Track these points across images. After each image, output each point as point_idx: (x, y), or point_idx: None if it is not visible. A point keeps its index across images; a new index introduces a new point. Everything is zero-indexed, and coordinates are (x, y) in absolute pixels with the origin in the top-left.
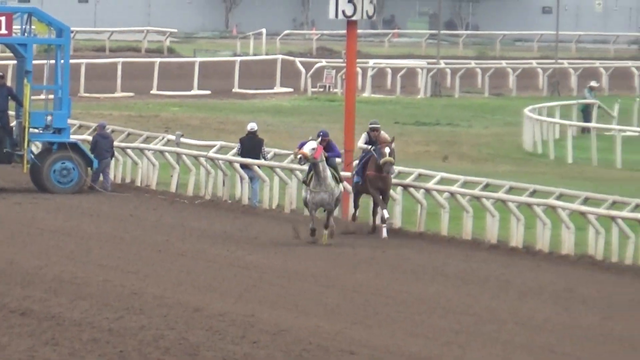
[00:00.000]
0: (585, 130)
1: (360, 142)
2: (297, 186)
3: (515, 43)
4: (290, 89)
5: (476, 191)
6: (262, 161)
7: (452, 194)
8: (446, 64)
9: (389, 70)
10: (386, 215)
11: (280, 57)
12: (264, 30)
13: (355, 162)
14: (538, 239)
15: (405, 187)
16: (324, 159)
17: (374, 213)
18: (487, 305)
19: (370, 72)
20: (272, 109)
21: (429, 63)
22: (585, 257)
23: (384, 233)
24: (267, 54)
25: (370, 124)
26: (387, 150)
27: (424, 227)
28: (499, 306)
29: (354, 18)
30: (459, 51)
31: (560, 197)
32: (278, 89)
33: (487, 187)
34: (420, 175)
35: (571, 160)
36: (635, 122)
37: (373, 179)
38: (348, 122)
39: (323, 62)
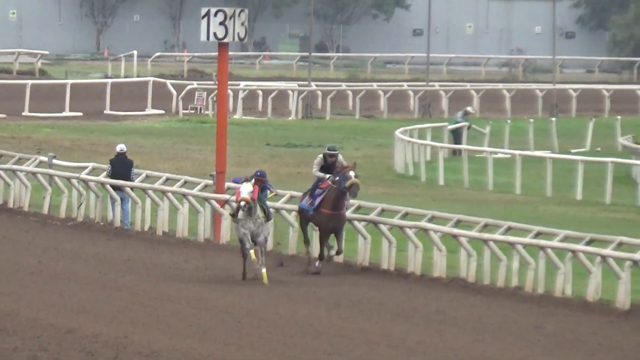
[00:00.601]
0: (456, 152)
1: (315, 169)
2: (169, 208)
3: (386, 65)
4: (162, 111)
5: (348, 213)
6: (133, 183)
7: None
8: (317, 86)
9: (260, 92)
10: (333, 252)
11: (151, 79)
12: (135, 53)
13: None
14: (410, 262)
15: (278, 210)
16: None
17: (321, 246)
18: (359, 328)
19: (241, 94)
20: (144, 130)
21: (300, 85)
22: (457, 279)
23: (317, 265)
24: (138, 76)
25: (328, 149)
26: (351, 173)
27: (296, 249)
28: (372, 328)
29: (225, 40)
30: (330, 73)
31: (432, 219)
32: (149, 110)
33: (358, 209)
34: (292, 197)
35: (442, 182)
36: (506, 144)
37: (326, 219)
38: (220, 144)
39: (194, 84)
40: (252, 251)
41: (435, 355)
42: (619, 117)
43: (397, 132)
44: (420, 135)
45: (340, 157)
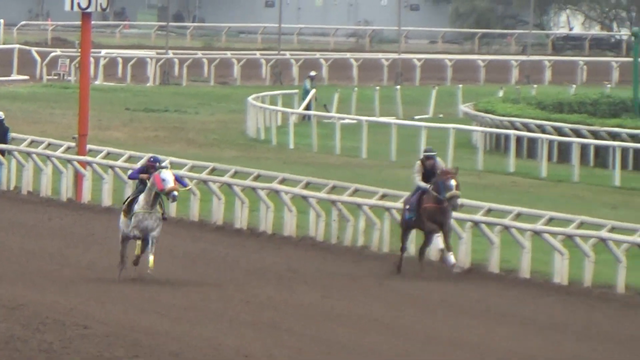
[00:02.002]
0: (305, 118)
1: (417, 177)
2: (33, 169)
3: (239, 35)
4: (27, 77)
5: (203, 175)
6: (10, 146)
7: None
8: (174, 54)
9: (120, 60)
10: (452, 260)
11: (17, 46)
12: (1, 21)
13: (407, 196)
14: (261, 221)
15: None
16: None
17: (422, 252)
18: (214, 284)
19: (102, 62)
20: (9, 95)
21: (158, 53)
22: (306, 238)
23: (451, 260)
24: (4, 44)
25: (425, 151)
26: (452, 182)
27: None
28: (226, 284)
29: (88, 10)
30: (186, 42)
31: (283, 181)
32: (15, 76)
33: (213, 171)
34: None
35: (292, 146)
36: (352, 111)
37: (432, 212)
38: (82, 109)
39: (58, 51)
40: (138, 242)
41: (286, 310)
42: (460, 85)
43: (250, 99)
44: (272, 101)
45: (438, 160)
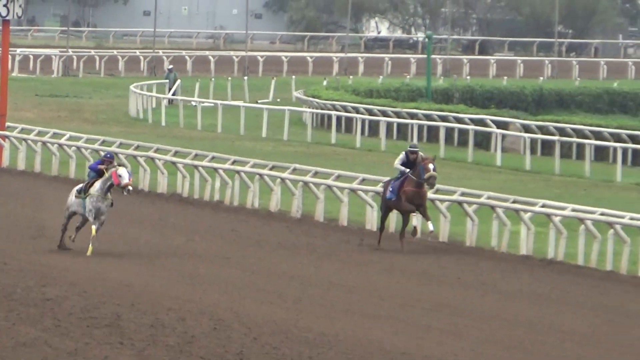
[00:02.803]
0: (172, 102)
1: (397, 163)
2: None
3: (123, 37)
4: None
5: (95, 145)
6: None
7: (78, 148)
8: (73, 52)
9: (31, 57)
10: (431, 227)
11: None
12: None
13: (388, 180)
14: (140, 182)
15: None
16: None
17: (403, 228)
18: (101, 232)
19: (17, 58)
20: None
21: (60, 51)
22: (175, 195)
23: (430, 226)
24: None
25: (410, 147)
26: (431, 166)
27: (58, 172)
28: (110, 233)
29: (7, 18)
30: (82, 43)
31: (157, 150)
32: None
33: (103, 142)
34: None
35: (164, 123)
36: (210, 96)
37: (412, 195)
38: (2, 94)
39: None
40: (94, 227)
41: (157, 250)
42: (293, 76)
43: (132, 87)
44: (149, 89)
45: (420, 154)
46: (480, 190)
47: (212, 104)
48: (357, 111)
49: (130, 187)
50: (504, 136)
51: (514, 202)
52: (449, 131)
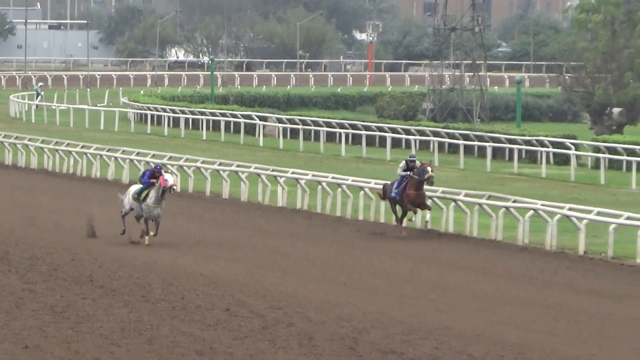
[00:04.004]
0: (38, 107)
1: (400, 170)
2: None
3: (4, 63)
4: None
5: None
6: None
7: None
8: None
9: None
10: (428, 216)
11: None
12: None
13: (389, 183)
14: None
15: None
16: None
17: (402, 218)
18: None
19: None
20: None
21: None
22: (42, 170)
23: (427, 220)
24: None
25: (410, 157)
26: (429, 168)
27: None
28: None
29: None
30: None
31: (30, 139)
32: None
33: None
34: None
35: (34, 121)
36: (65, 102)
37: (413, 197)
38: None
39: None
40: (154, 229)
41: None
42: (121, 88)
43: (11, 97)
44: (22, 98)
45: (418, 162)
46: (250, 163)
47: (66, 107)
48: (165, 110)
49: (175, 187)
50: (264, 126)
51: (273, 170)
52: (227, 123)
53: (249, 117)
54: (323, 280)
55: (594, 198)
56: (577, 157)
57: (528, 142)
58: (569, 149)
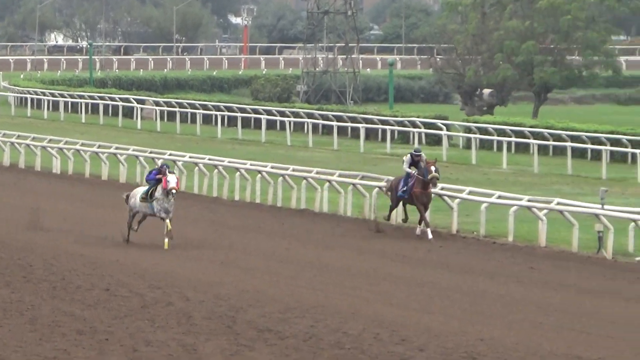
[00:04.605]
0: None
1: (405, 164)
2: None
3: None
4: None
5: None
6: None
7: None
8: None
9: None
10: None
11: None
12: None
13: (393, 179)
14: None
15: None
16: None
17: (420, 220)
18: None
19: None
20: None
21: None
22: None
23: (429, 235)
24: None
25: (415, 151)
26: (433, 168)
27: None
28: None
29: None
30: None
31: None
32: None
33: None
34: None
35: None
36: None
37: (419, 195)
38: None
39: None
40: (168, 222)
41: None
42: (1, 72)
43: None
44: None
45: (423, 155)
46: (128, 145)
47: None
48: (44, 94)
49: (174, 190)
50: (141, 109)
51: (151, 152)
52: (106, 106)
53: (127, 100)
54: (201, 260)
55: (466, 177)
56: (449, 137)
57: (400, 123)
58: (441, 129)
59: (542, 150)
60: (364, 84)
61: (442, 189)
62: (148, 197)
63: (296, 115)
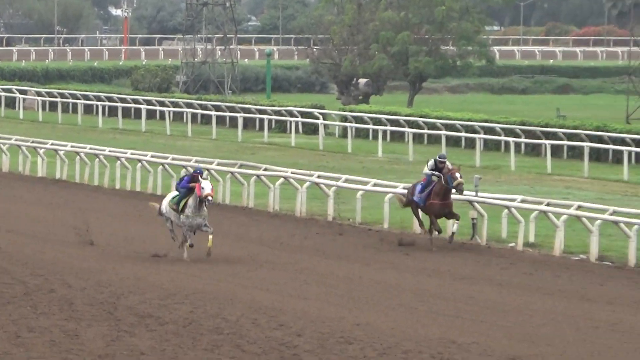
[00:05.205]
0: None
1: (427, 168)
2: None
3: None
4: None
5: None
6: None
7: None
8: None
9: None
10: (455, 227)
11: None
12: None
13: (413, 183)
14: None
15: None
16: None
17: (431, 228)
18: None
19: None
20: None
21: None
22: None
23: (454, 231)
24: None
25: (439, 157)
26: (458, 175)
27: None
28: None
29: None
30: None
31: None
32: None
33: None
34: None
35: None
36: None
37: (439, 208)
38: None
39: None
40: (210, 236)
41: None
42: None
43: None
44: None
45: (447, 162)
46: (11, 135)
47: None
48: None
49: (210, 197)
50: (24, 99)
51: (33, 142)
52: None
53: (10, 90)
54: (82, 247)
55: (342, 166)
56: (325, 126)
57: (278, 113)
58: (317, 118)
59: (417, 138)
60: (242, 74)
61: (318, 176)
62: (179, 208)
63: (175, 105)
